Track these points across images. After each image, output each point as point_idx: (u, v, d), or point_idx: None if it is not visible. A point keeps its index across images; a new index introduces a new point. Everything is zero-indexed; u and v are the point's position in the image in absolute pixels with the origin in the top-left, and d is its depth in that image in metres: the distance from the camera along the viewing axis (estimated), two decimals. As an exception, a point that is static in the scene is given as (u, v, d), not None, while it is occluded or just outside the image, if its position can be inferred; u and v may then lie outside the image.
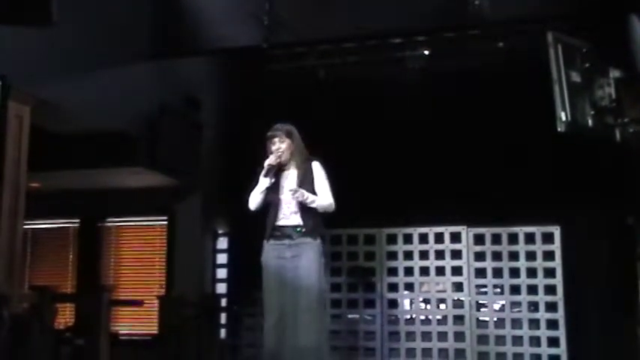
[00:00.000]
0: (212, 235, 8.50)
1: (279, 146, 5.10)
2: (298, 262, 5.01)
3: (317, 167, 5.19)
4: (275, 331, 4.99)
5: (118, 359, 6.22)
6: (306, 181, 5.11)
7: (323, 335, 5.17)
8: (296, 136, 5.22)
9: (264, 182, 5.08)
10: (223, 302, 8.11)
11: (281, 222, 5.09)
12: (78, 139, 7.00)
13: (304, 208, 5.06)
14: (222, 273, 8.37)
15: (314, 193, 5.10)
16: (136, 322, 8.23)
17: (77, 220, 8.98)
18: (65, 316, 7.31)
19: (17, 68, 5.87)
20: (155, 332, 7.59)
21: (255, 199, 5.12)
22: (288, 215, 5.09)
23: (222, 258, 8.43)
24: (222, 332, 7.99)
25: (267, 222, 5.14)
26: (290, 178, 5.17)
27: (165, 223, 8.57)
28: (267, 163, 5.05)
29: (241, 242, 8.10)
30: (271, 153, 5.12)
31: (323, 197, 5.09)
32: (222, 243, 8.49)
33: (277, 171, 5.18)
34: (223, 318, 8.05)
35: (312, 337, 4.95)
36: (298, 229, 5.05)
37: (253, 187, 5.18)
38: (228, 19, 7.10)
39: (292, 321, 4.97)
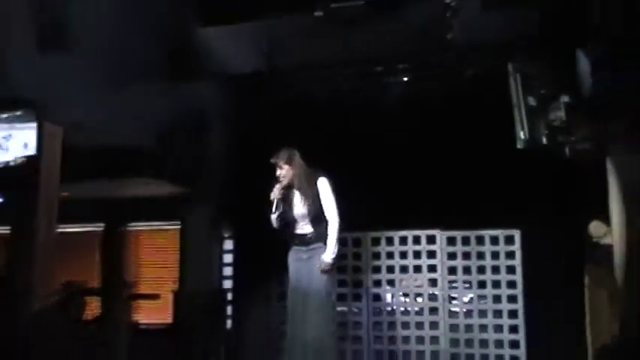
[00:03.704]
0: (219, 238, 8.55)
1: (280, 172, 5.51)
2: (312, 262, 5.47)
3: (322, 184, 5.54)
4: (292, 321, 5.45)
5: (137, 346, 6.59)
6: (311, 200, 5.50)
7: (331, 323, 5.50)
8: (296, 160, 5.56)
9: (277, 206, 5.49)
10: (229, 296, 8.24)
11: (298, 232, 5.58)
12: (103, 154, 7.20)
13: (314, 221, 5.49)
14: (228, 271, 8.44)
15: (320, 208, 5.47)
16: (152, 313, 8.36)
17: (102, 225, 8.89)
18: (92, 307, 7.30)
19: (52, 93, 6.16)
20: (169, 322, 7.99)
21: (274, 221, 5.56)
22: (303, 226, 5.57)
23: (228, 258, 8.48)
24: (228, 322, 8.12)
25: (289, 232, 5.59)
26: (297, 198, 5.58)
27: (178, 227, 8.73)
28: (271, 197, 5.47)
29: (245, 244, 8.26)
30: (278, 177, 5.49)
31: (331, 220, 5.45)
32: (228, 245, 8.54)
33: (288, 190, 5.54)
34: (229, 310, 8.19)
35: (321, 325, 5.33)
36: (309, 237, 5.52)
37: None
38: (233, 47, 7.26)
39: (304, 310, 5.38)
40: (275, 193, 5.46)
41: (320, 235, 5.48)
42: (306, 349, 5.29)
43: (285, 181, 5.51)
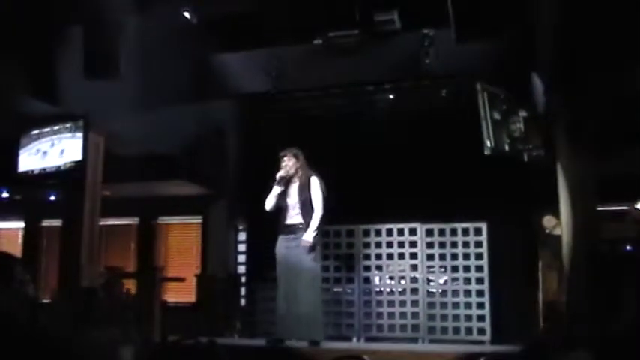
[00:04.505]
0: (234, 230, 8.78)
1: (287, 163, 5.60)
2: (299, 250, 5.45)
3: (314, 181, 5.59)
4: (283, 301, 5.43)
5: (166, 320, 6.58)
6: (305, 192, 5.56)
7: (318, 304, 5.53)
8: (300, 157, 5.66)
9: (275, 189, 5.57)
10: (243, 279, 8.49)
11: (288, 222, 5.57)
12: (138, 160, 7.52)
13: (304, 211, 5.50)
14: (241, 258, 8.70)
15: (309, 200, 5.50)
16: (179, 293, 8.47)
17: (137, 219, 9.46)
18: (129, 288, 7.24)
19: (96, 108, 6.49)
20: (193, 301, 8.28)
21: (269, 202, 5.62)
22: (293, 216, 5.55)
23: (241, 247, 8.77)
24: (242, 301, 8.32)
25: (280, 222, 5.58)
26: (294, 189, 5.61)
27: (200, 221, 9.05)
28: (277, 175, 5.58)
29: (256, 236, 8.43)
30: (282, 168, 5.64)
31: (316, 210, 5.48)
32: (242, 236, 8.79)
33: (286, 183, 5.58)
34: (243, 290, 8.38)
35: (309, 306, 5.35)
36: (299, 227, 5.50)
37: (266, 195, 5.63)
38: (246, 72, 7.53)
39: (294, 293, 5.38)
40: (281, 173, 5.59)
41: (307, 225, 5.54)
42: (297, 322, 5.35)
43: (290, 171, 5.62)
